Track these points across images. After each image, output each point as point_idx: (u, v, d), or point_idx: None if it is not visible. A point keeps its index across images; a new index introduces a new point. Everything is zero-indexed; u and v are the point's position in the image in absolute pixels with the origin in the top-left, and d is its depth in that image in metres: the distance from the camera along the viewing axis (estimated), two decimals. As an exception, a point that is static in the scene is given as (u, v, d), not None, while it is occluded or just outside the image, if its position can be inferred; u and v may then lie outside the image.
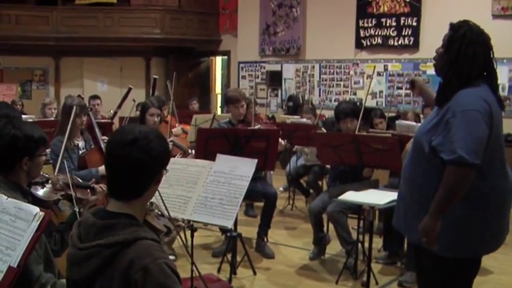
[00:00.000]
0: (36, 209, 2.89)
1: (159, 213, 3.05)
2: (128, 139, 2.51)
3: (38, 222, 2.83)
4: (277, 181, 10.04)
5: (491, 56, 3.76)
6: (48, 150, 5.74)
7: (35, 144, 3.54)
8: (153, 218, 2.73)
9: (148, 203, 2.74)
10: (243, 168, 5.19)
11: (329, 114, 10.28)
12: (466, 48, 3.69)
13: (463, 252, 3.72)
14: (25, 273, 3.08)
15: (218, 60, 18.95)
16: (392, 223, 4.20)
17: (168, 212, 3.05)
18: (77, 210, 3.92)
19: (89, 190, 4.34)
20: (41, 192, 4.01)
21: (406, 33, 13.37)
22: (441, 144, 3.56)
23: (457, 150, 3.43)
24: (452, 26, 3.90)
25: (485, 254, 3.88)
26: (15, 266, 2.77)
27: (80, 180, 4.57)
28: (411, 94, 13.26)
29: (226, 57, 17.61)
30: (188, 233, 5.56)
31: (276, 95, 15.66)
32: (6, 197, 3.03)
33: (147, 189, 2.59)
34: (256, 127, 7.23)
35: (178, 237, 4.87)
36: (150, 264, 2.37)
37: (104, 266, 2.43)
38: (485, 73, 3.72)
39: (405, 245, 6.57)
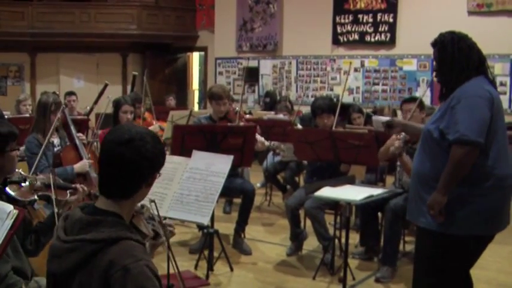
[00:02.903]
0: (10, 207, 2.86)
1: (150, 216, 3.02)
2: (123, 138, 2.50)
3: (12, 220, 2.80)
4: (255, 177, 10.02)
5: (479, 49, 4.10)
6: (22, 148, 5.70)
7: (4, 139, 3.50)
8: (141, 221, 2.70)
9: (139, 205, 2.72)
10: (219, 164, 5.18)
11: (306, 110, 10.28)
12: (458, 45, 4.03)
13: (466, 229, 3.96)
14: None
15: (195, 56, 18.92)
16: (406, 219, 4.38)
17: (159, 216, 3.02)
18: (56, 211, 3.87)
19: (68, 191, 4.28)
20: (16, 191, 3.95)
21: (382, 29, 13.46)
22: (447, 127, 3.88)
23: (460, 129, 3.78)
24: (436, 40, 4.19)
25: (489, 233, 4.09)
26: (-12, 264, 2.74)
27: (61, 181, 4.51)
28: (388, 90, 13.37)
29: (203, 53, 17.60)
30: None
31: (253, 91, 15.66)
32: (-21, 195, 3.00)
33: (137, 191, 2.57)
34: (240, 124, 7.20)
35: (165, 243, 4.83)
36: (130, 265, 2.35)
37: (84, 261, 2.41)
38: (479, 66, 4.06)
39: (382, 241, 6.60)
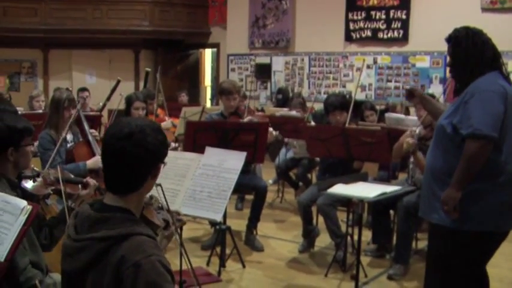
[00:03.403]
0: (23, 203, 2.87)
1: (159, 205, 3.03)
2: (123, 133, 2.49)
3: (26, 216, 2.81)
4: (267, 174, 10.02)
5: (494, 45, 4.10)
6: (35, 144, 5.72)
7: (19, 134, 3.52)
8: (151, 212, 2.71)
9: (148, 196, 2.73)
10: (232, 161, 5.17)
11: (318, 107, 10.26)
12: (473, 40, 4.02)
13: (479, 225, 3.95)
14: (11, 266, 3.07)
15: (207, 53, 18.90)
16: (419, 215, 4.36)
17: (167, 204, 3.02)
18: (68, 205, 3.89)
19: (79, 185, 4.30)
20: (30, 185, 3.98)
21: (395, 26, 13.39)
22: (460, 122, 3.87)
23: (473, 124, 3.76)
24: (450, 35, 4.17)
25: (502, 229, 4.08)
26: (2, 260, 2.75)
27: (71, 175, 4.53)
28: (400, 87, 13.30)
29: (215, 49, 17.57)
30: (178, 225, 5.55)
31: (265, 88, 15.65)
32: (-8, 191, 3.01)
33: (143, 183, 2.56)
34: (247, 119, 7.20)
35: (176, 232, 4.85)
36: (142, 261, 2.34)
37: (95, 260, 2.41)
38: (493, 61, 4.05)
39: (394, 238, 6.59)
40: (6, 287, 3.15)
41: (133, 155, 2.47)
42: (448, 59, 4.26)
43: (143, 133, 2.50)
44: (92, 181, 4.28)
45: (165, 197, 3.06)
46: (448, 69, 9.96)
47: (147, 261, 2.35)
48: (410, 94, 4.98)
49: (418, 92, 5.10)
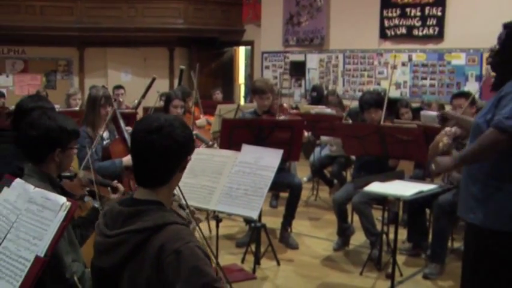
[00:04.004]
0: (63, 199, 2.89)
1: (179, 204, 3.06)
2: (153, 126, 2.54)
3: (65, 212, 2.83)
4: (301, 171, 10.00)
5: None
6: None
7: (68, 136, 3.53)
8: (175, 208, 2.74)
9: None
10: (269, 158, 5.17)
11: (353, 104, 10.23)
12: None
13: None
14: (58, 263, 3.11)
15: (241, 50, 18.92)
16: (457, 214, 4.32)
17: (186, 203, 3.05)
18: (98, 206, 3.92)
19: (109, 188, 4.33)
20: (68, 186, 4.00)
21: (430, 23, 13.27)
22: (493, 118, 3.78)
23: (501, 116, 3.67)
24: (506, 25, 4.02)
25: None
26: (42, 255, 2.77)
27: (100, 178, 4.56)
28: (435, 84, 13.21)
29: (249, 47, 17.58)
30: (213, 223, 5.57)
31: (300, 85, 15.62)
32: (33, 187, 3.03)
33: (172, 176, 2.62)
34: (280, 118, 7.20)
35: (197, 229, 4.87)
36: (181, 247, 2.38)
37: (133, 252, 2.45)
38: None
39: (429, 237, 6.55)
40: (54, 285, 3.19)
41: (163, 147, 2.52)
42: (495, 46, 4.14)
43: (172, 126, 2.55)
44: (121, 186, 4.32)
45: (183, 196, 3.09)
46: (484, 66, 9.82)
47: (186, 248, 2.39)
48: (444, 119, 4.92)
49: (451, 115, 5.05)
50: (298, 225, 7.75)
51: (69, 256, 3.28)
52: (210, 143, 7.14)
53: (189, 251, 2.39)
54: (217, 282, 2.43)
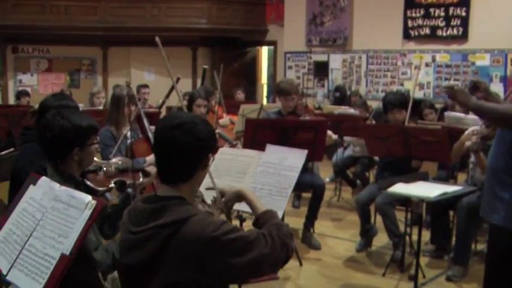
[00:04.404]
0: (88, 198, 2.90)
1: (203, 200, 3.08)
2: (174, 123, 2.57)
3: (91, 210, 2.84)
4: (324, 172, 10.00)
5: None
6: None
7: (85, 133, 3.48)
8: (198, 204, 2.76)
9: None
10: (293, 159, 5.14)
11: (376, 105, 10.19)
12: None
13: None
14: (89, 261, 3.13)
15: (264, 50, 18.94)
16: (480, 215, 4.30)
17: (215, 187, 3.10)
18: (131, 192, 3.92)
19: (140, 173, 4.32)
20: (93, 181, 3.98)
21: (455, 23, 13.20)
22: None
23: None
24: None
25: None
26: (67, 253, 2.79)
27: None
28: (460, 85, 13.09)
29: (272, 47, 17.58)
30: (236, 222, 5.56)
31: (322, 86, 15.60)
32: (58, 185, 3.05)
33: (194, 173, 2.64)
34: (305, 118, 7.18)
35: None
36: (215, 232, 2.42)
37: (162, 247, 2.46)
38: None
39: (453, 239, 6.51)
40: (86, 282, 3.22)
41: (185, 144, 2.55)
42: None
43: (193, 123, 2.59)
44: (153, 169, 4.31)
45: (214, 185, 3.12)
46: (509, 67, 9.75)
47: (220, 231, 2.43)
48: (475, 87, 4.81)
49: (484, 85, 4.90)
50: (321, 226, 7.73)
51: (97, 252, 3.30)
52: (234, 142, 7.15)
53: (224, 233, 2.44)
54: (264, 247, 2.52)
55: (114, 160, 4.27)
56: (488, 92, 4.85)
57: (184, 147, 2.55)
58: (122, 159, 4.34)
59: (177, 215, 2.48)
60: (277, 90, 7.35)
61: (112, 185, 4.04)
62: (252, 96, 16.98)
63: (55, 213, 2.95)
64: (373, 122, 8.66)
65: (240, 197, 2.99)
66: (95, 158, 3.97)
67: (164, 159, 2.61)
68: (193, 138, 2.56)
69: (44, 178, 3.16)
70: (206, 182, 3.05)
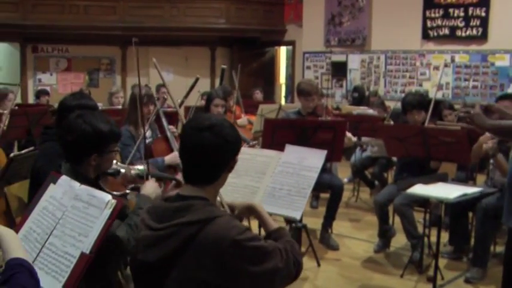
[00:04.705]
0: (108, 197, 2.92)
1: (221, 202, 3.08)
2: (204, 124, 2.57)
3: (110, 209, 2.86)
4: (342, 172, 9.98)
5: None
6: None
7: (106, 140, 3.42)
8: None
9: None
10: (312, 159, 5.13)
11: (394, 105, 10.17)
12: None
13: None
14: (113, 240, 3.11)
15: (283, 50, 18.94)
16: (501, 221, 4.29)
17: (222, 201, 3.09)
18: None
19: (173, 182, 4.25)
20: (108, 185, 3.90)
21: (474, 23, 13.12)
22: None
23: None
24: None
25: None
26: (87, 252, 2.80)
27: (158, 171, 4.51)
28: (479, 86, 13.05)
29: (290, 47, 17.57)
30: (255, 223, 5.56)
31: (341, 86, 15.57)
32: (79, 184, 3.06)
33: (220, 175, 2.66)
34: (325, 119, 7.17)
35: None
36: (239, 236, 2.43)
37: (184, 245, 2.46)
38: None
39: (471, 240, 6.47)
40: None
41: (214, 145, 2.56)
42: None
43: (222, 126, 2.60)
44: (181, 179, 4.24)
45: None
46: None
47: (244, 235, 2.44)
48: (488, 110, 4.80)
49: (495, 107, 4.91)
50: (339, 226, 7.72)
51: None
52: (252, 142, 7.15)
53: (248, 237, 2.45)
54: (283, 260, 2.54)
55: (136, 167, 4.18)
56: (503, 111, 4.85)
57: (213, 149, 2.56)
58: (151, 167, 4.27)
59: (202, 215, 2.48)
60: (297, 90, 7.35)
61: (128, 191, 3.99)
62: (269, 96, 16.99)
63: (75, 212, 2.97)
64: (391, 122, 8.63)
65: (251, 211, 2.97)
66: (117, 162, 3.93)
67: (191, 160, 2.62)
68: (223, 141, 2.57)
69: (64, 177, 3.17)
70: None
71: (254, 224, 5.45)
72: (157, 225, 2.55)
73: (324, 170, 6.88)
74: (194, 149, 2.58)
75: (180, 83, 14.27)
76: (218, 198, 3.06)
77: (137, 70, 4.42)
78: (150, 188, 3.75)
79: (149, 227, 2.58)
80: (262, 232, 2.97)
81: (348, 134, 6.88)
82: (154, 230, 2.55)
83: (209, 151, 2.56)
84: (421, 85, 14.11)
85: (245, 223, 2.76)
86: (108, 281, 3.45)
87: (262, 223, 2.90)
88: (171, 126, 6.36)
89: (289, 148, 5.26)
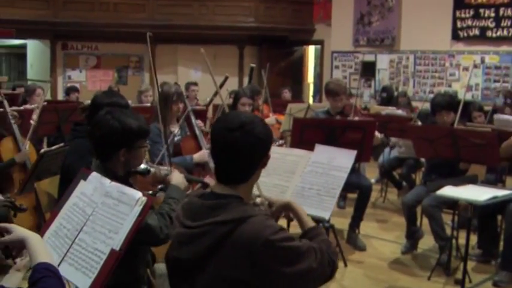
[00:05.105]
0: (138, 194, 2.93)
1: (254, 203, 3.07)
2: (235, 124, 2.55)
3: (141, 207, 2.87)
4: (370, 173, 9.94)
5: None
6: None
7: (134, 136, 3.45)
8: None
9: None
10: (342, 159, 5.11)
11: (422, 106, 10.10)
12: None
13: None
14: (145, 229, 3.14)
15: (311, 50, 18.89)
16: None
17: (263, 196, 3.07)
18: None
19: (200, 184, 4.26)
20: (137, 183, 3.90)
21: (505, 24, 12.98)
22: None
23: None
24: None
25: None
26: (117, 249, 2.82)
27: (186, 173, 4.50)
28: (509, 87, 12.91)
29: (319, 46, 17.52)
30: (284, 222, 5.56)
31: (369, 86, 15.51)
32: (109, 181, 3.08)
33: (254, 172, 2.64)
34: (354, 119, 7.15)
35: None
36: (273, 236, 2.42)
37: (218, 243, 2.46)
38: None
39: (501, 244, 6.41)
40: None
41: (247, 145, 2.54)
42: None
43: (253, 124, 2.57)
44: (212, 181, 4.24)
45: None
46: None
47: (278, 235, 2.43)
48: None
49: None
50: (366, 227, 7.69)
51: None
52: (279, 141, 7.14)
53: (281, 236, 2.44)
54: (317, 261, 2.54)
55: (165, 167, 4.16)
56: None
57: (246, 148, 2.54)
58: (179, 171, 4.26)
59: (237, 214, 2.47)
60: (325, 90, 7.33)
61: (156, 190, 3.99)
62: (298, 95, 16.94)
63: (105, 208, 2.98)
64: (419, 122, 8.58)
65: (288, 208, 2.96)
66: (147, 162, 3.93)
67: (224, 160, 2.60)
68: (255, 139, 2.55)
69: (94, 174, 3.19)
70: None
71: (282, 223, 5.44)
72: (191, 223, 2.55)
73: (353, 170, 6.85)
74: (226, 149, 2.56)
75: (208, 81, 14.27)
76: (257, 192, 3.06)
77: (153, 66, 4.40)
78: (179, 177, 3.79)
79: (183, 224, 2.59)
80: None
81: (376, 133, 6.85)
82: (189, 228, 2.56)
83: (242, 151, 2.54)
84: (450, 86, 14.00)
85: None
86: (136, 276, 3.47)
87: (298, 221, 2.89)
88: (198, 121, 6.37)
89: (319, 148, 5.23)
